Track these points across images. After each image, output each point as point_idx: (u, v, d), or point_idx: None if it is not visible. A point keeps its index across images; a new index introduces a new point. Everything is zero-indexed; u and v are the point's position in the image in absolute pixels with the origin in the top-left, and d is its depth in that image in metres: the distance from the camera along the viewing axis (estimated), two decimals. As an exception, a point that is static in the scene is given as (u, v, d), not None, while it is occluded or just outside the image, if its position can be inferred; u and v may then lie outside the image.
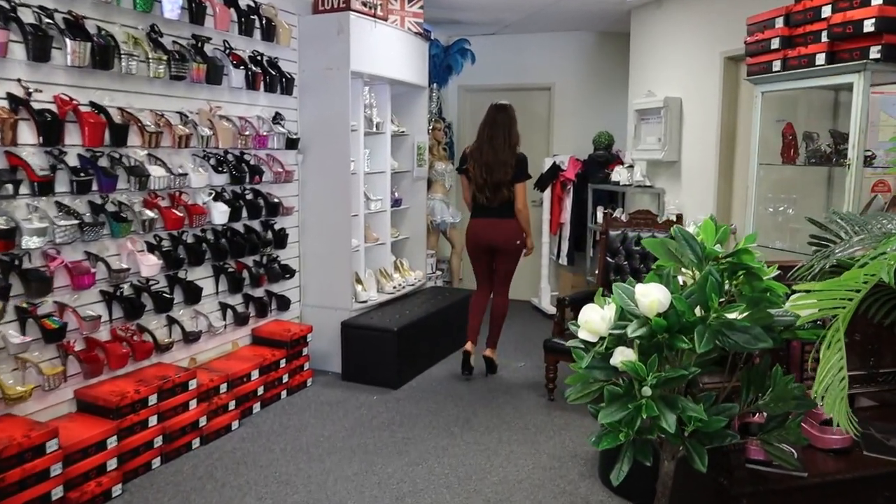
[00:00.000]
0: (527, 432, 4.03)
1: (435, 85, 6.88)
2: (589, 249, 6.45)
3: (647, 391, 2.21)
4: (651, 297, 2.18)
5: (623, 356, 2.24)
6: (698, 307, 2.20)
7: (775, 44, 3.48)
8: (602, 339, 2.30)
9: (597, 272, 5.25)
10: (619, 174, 5.88)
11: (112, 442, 3.26)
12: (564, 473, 3.53)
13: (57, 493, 3.00)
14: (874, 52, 2.96)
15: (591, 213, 6.33)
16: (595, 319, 2.33)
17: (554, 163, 6.63)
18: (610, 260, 4.81)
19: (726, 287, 2.20)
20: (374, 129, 5.29)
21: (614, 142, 6.35)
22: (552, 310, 6.68)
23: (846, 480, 2.62)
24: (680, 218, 4.55)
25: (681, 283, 2.36)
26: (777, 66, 3.51)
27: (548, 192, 6.75)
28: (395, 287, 5.50)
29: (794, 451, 2.66)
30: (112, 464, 3.26)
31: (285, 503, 3.19)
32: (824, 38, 3.22)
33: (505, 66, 7.17)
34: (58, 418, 3.29)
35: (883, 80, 3.25)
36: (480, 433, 3.99)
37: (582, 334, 2.39)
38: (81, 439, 3.14)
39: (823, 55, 3.22)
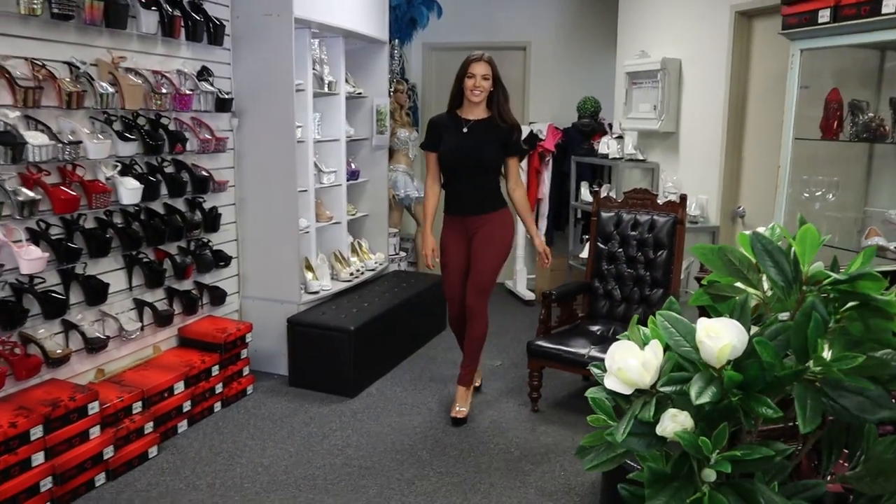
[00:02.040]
0: (509, 457, 3.35)
1: (397, 41, 6.06)
2: (571, 229, 5.77)
3: (709, 475, 1.50)
4: (723, 340, 1.47)
5: (676, 423, 1.53)
6: (786, 354, 1.51)
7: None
8: (643, 398, 1.60)
9: (585, 258, 4.58)
10: (606, 146, 5.17)
11: (-24, 493, 2.50)
12: (557, 516, 2.87)
13: None
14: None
15: (573, 188, 5.63)
16: (633, 367, 1.60)
17: (531, 132, 5.89)
18: (602, 246, 4.14)
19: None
20: (326, 90, 4.49)
21: (601, 109, 5.63)
22: (529, 295, 6.01)
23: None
24: (683, 198, 3.89)
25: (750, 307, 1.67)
26: (824, 16, 2.81)
27: (524, 163, 6.02)
28: (352, 274, 4.75)
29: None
30: (-23, 521, 2.51)
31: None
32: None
33: (475, 22, 6.38)
34: None
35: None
36: (454, 459, 3.31)
37: (610, 383, 1.67)
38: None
39: (893, 2, 2.52)
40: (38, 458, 2.77)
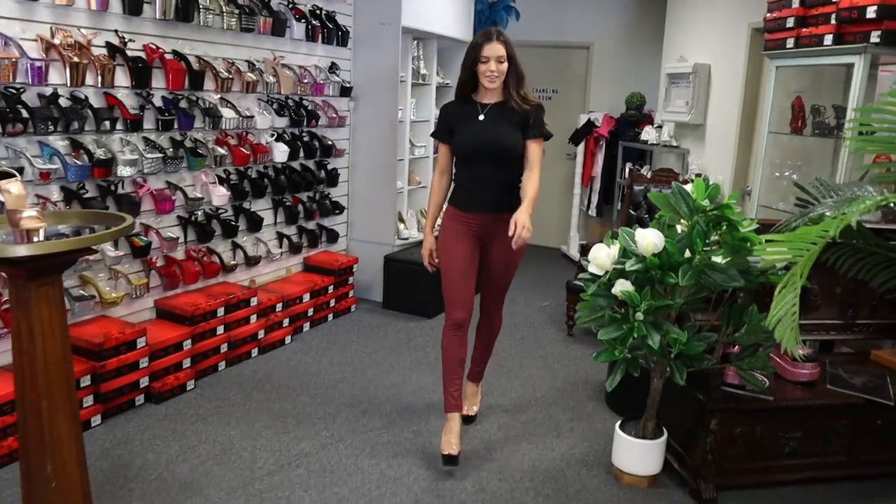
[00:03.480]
0: (545, 360, 4.53)
1: (479, 39, 7.21)
2: (616, 202, 6.84)
3: (639, 316, 2.68)
4: (648, 239, 2.64)
5: (622, 286, 2.70)
6: (687, 250, 2.64)
7: (790, 22, 3.81)
8: (607, 272, 2.76)
9: (620, 223, 5.67)
10: (648, 133, 6.22)
11: (187, 344, 3.84)
12: (575, 395, 4.03)
13: (144, 381, 3.59)
14: (874, 37, 3.29)
15: (619, 168, 6.70)
16: (602, 256, 2.79)
17: (588, 119, 6.98)
18: (632, 213, 5.22)
19: (715, 237, 2.63)
20: (421, 81, 5.71)
21: (646, 102, 6.67)
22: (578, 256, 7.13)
23: (807, 407, 3.07)
24: (698, 176, 4.92)
25: (679, 231, 2.80)
26: (790, 43, 3.85)
27: (581, 146, 7.12)
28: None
29: (766, 380, 3.12)
30: (187, 363, 3.84)
31: (332, 403, 3.75)
32: (833, 21, 3.55)
33: (547, 24, 7.47)
34: (142, 322, 3.86)
35: (886, 62, 3.57)
36: (503, 358, 4.49)
37: (591, 268, 2.85)
38: (163, 340, 3.71)
39: (831, 36, 3.55)
40: (220, 329, 4.10)
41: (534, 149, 3.13)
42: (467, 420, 3.56)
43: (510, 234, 2.88)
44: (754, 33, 5.12)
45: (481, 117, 3.13)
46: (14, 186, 2.03)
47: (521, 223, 2.87)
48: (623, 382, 2.88)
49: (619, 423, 3.20)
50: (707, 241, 2.60)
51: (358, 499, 2.90)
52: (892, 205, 2.41)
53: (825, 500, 3.06)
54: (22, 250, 1.97)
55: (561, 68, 7.64)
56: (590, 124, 6.93)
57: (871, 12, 3.28)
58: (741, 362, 2.87)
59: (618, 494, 3.04)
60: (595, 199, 7.06)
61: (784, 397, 3.07)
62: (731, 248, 2.59)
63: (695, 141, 5.87)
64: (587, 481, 3.14)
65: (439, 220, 3.35)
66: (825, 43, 3.59)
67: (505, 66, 3.04)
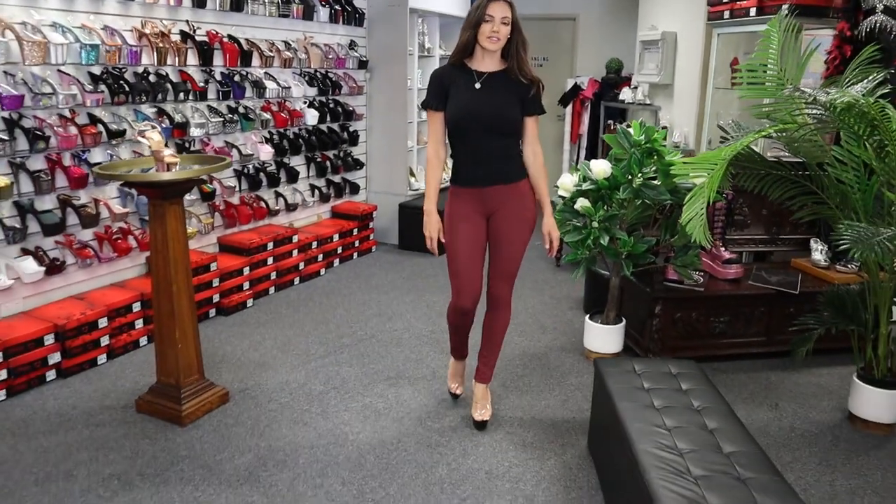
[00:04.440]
0: (536, 283, 5.49)
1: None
2: (600, 156, 7.74)
3: (594, 224, 3.62)
4: (599, 167, 3.58)
5: (581, 203, 3.64)
6: (629, 175, 3.57)
7: (726, -3, 4.72)
8: (571, 194, 3.70)
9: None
10: (625, 94, 7.11)
11: (246, 270, 4.81)
12: (559, 306, 4.99)
13: (215, 298, 4.56)
14: (785, 9, 4.19)
15: (602, 126, 7.60)
16: (567, 182, 3.73)
17: (575, 83, 7.87)
18: (608, 161, 6.13)
19: (653, 167, 3.56)
20: (426, 53, 6.61)
21: (623, 66, 7.55)
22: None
23: (732, 296, 4.02)
24: (665, 129, 5.80)
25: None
26: (727, 14, 4.73)
27: (569, 108, 8.02)
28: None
29: (701, 278, 4.06)
30: (246, 285, 4.81)
31: (364, 313, 4.73)
32: (757, -5, 4.45)
33: (538, -2, 8.33)
34: (210, 253, 4.82)
35: (808, 27, 4.46)
36: (500, 283, 5.45)
37: (560, 192, 3.78)
38: (229, 266, 4.68)
39: (755, 8, 4.44)
40: (270, 260, 5.06)
41: (532, 125, 3.05)
42: (479, 426, 3.27)
43: (546, 246, 3.14)
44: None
45: (478, 86, 2.97)
46: (155, 134, 2.98)
47: (556, 236, 3.15)
48: (596, 296, 3.82)
49: (588, 315, 4.16)
50: (643, 167, 3.53)
51: (389, 371, 3.87)
52: (772, 134, 3.31)
53: (748, 370, 4.02)
54: (167, 177, 2.92)
55: (551, 37, 8.51)
56: (576, 87, 7.82)
57: (782, -12, 4.18)
58: (676, 260, 3.81)
59: (588, 368, 4.00)
60: (583, 154, 7.97)
61: (714, 290, 4.02)
62: (662, 173, 3.52)
63: (665, 99, 6.76)
64: (564, 359, 4.11)
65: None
66: (751, 14, 4.48)
67: (508, 28, 2.89)
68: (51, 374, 3.63)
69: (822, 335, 3.61)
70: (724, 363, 4.07)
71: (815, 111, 3.17)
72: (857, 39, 3.96)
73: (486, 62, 3.00)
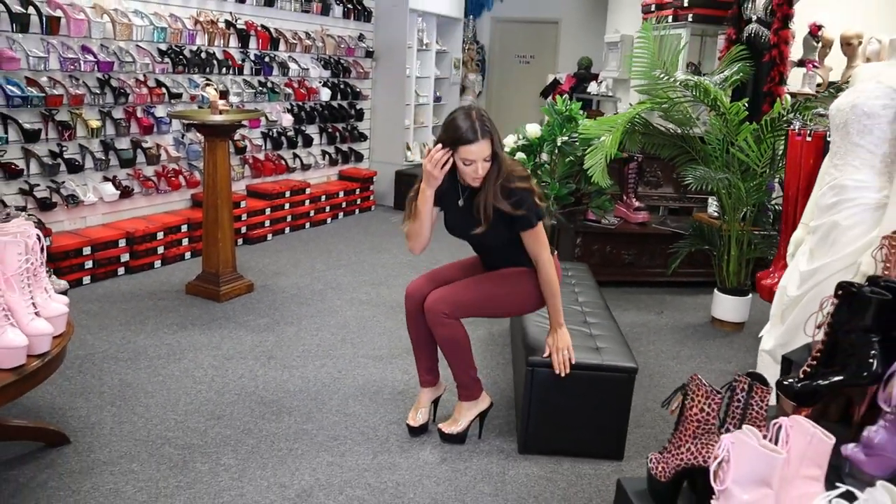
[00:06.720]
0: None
1: (471, 16, 9.35)
2: (573, 141, 8.96)
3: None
4: (531, 129, 4.81)
5: (519, 156, 4.87)
6: (553, 135, 4.82)
7: (652, 7, 5.93)
8: (510, 149, 4.94)
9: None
10: (593, 87, 8.35)
11: (268, 211, 6.09)
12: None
13: (243, 230, 5.85)
14: (690, 17, 5.43)
15: (575, 115, 8.82)
16: (531, 130, 4.91)
17: (555, 78, 9.12)
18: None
19: (574, 133, 4.78)
20: (424, 48, 7.88)
21: (593, 64, 8.79)
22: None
23: (638, 234, 5.25)
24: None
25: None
26: (653, 21, 5.96)
27: (549, 100, 9.26)
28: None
29: (615, 221, 5.29)
30: (267, 223, 6.10)
31: (359, 247, 6.01)
32: (672, 7, 5.66)
33: (526, 3, 9.58)
34: (241, 194, 6.10)
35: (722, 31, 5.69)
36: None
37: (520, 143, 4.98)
38: (254, 206, 5.97)
39: (671, 17, 5.67)
40: (286, 206, 6.34)
41: (529, 239, 2.73)
42: (441, 436, 3.02)
43: (552, 361, 2.80)
44: (658, 13, 7.21)
45: (461, 202, 2.79)
46: (211, 89, 4.26)
47: (564, 347, 2.80)
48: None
49: (529, 247, 5.39)
50: (564, 130, 4.76)
51: (374, 280, 5.14)
52: (663, 106, 4.54)
53: (650, 293, 5.25)
54: (219, 119, 4.20)
55: (537, 38, 9.78)
56: (555, 82, 9.07)
57: (686, 2, 5.40)
58: (592, 203, 5.05)
59: (526, 286, 5.23)
60: (560, 140, 9.20)
61: (624, 229, 5.24)
62: (581, 138, 4.76)
63: (624, 92, 7.98)
64: (509, 280, 5.34)
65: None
66: (669, 21, 5.71)
67: (489, 162, 2.62)
68: (121, 270, 4.92)
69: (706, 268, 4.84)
70: (632, 287, 5.29)
71: (679, 90, 4.41)
72: (740, 41, 5.18)
73: None
